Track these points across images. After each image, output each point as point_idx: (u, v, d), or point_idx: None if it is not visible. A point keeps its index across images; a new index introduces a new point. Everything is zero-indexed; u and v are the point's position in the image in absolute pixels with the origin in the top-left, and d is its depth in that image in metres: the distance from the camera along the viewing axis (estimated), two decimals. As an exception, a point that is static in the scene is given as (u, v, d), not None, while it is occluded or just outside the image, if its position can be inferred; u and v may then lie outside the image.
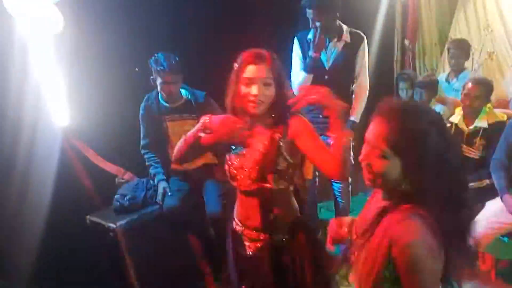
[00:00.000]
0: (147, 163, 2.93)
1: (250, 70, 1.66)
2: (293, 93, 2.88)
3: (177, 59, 2.71)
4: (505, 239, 2.70)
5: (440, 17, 4.28)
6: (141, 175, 3.02)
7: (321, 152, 1.64)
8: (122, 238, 2.60)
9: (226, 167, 1.79)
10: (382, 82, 3.78)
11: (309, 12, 2.88)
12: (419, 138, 1.11)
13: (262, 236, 1.79)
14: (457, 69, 3.67)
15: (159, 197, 2.79)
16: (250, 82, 1.65)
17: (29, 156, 2.60)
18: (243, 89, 1.67)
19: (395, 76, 4.16)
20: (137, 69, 3.08)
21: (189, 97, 2.86)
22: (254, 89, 1.64)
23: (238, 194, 1.84)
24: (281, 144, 1.68)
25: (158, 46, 2.81)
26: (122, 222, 2.63)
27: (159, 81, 2.71)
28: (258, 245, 1.79)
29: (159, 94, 2.84)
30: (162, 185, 2.82)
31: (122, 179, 3.03)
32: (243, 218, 1.83)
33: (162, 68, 2.66)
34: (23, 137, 2.56)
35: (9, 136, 2.53)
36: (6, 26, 2.41)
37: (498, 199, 2.62)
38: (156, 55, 2.70)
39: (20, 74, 2.52)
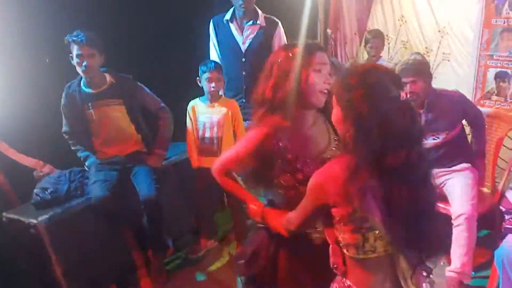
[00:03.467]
0: (72, 148, 2.80)
1: (322, 57, 1.49)
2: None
3: (92, 33, 2.57)
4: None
5: (359, 7, 4.47)
6: (63, 167, 2.83)
7: None
8: (46, 234, 2.41)
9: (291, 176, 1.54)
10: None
11: None
12: (346, 92, 1.23)
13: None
14: (375, 58, 3.90)
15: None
16: (323, 70, 1.49)
17: None
18: (314, 78, 1.47)
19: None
20: (47, 60, 2.87)
21: (114, 81, 2.73)
22: (328, 78, 1.48)
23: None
24: None
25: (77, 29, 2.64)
26: (45, 217, 2.44)
27: (74, 53, 2.54)
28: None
29: (82, 80, 2.69)
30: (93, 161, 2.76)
31: (41, 172, 2.81)
32: None
33: (76, 38, 2.51)
34: None
35: None
36: None
37: None
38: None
39: None
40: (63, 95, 2.70)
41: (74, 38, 2.52)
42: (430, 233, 1.30)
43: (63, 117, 2.76)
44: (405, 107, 1.20)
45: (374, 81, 1.20)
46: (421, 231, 1.26)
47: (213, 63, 2.89)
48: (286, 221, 1.45)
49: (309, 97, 1.50)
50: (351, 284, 1.32)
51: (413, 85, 2.62)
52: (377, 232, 1.24)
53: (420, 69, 2.63)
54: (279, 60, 1.53)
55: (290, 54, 1.51)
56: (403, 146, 1.17)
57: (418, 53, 2.83)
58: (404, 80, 2.63)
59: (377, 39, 3.86)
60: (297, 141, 1.53)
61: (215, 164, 1.71)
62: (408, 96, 2.67)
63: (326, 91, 1.48)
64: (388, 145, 1.16)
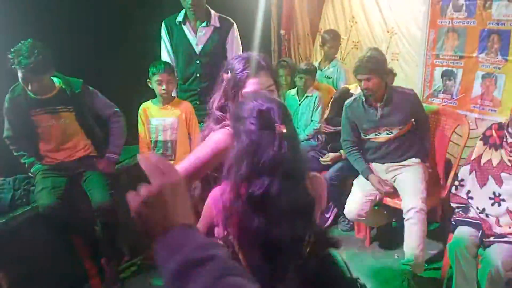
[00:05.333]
0: (15, 153, 2.64)
1: (252, 84, 1.52)
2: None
3: (41, 54, 2.36)
4: (376, 207, 2.97)
5: (311, 8, 4.52)
6: (7, 175, 2.67)
7: None
8: (-12, 247, 2.28)
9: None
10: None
11: None
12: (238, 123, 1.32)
13: None
14: (331, 58, 3.96)
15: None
16: None
17: None
18: None
19: (273, 64, 4.31)
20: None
21: (63, 86, 2.60)
22: None
23: None
24: None
25: (23, 33, 2.48)
26: (-13, 228, 2.30)
27: (19, 75, 2.41)
28: None
29: None
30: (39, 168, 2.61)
31: (-17, 180, 2.64)
32: None
33: (17, 66, 2.35)
34: None
35: None
36: None
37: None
38: (17, 45, 2.38)
39: None
40: (7, 98, 2.55)
41: (16, 66, 2.35)
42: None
43: (6, 121, 2.60)
44: (278, 141, 1.24)
45: (248, 114, 1.28)
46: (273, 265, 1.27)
47: (163, 65, 2.81)
48: None
49: None
50: None
51: (367, 82, 2.68)
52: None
53: (375, 66, 2.69)
54: (223, 80, 1.62)
55: (229, 76, 1.58)
56: (269, 175, 1.23)
57: (376, 49, 2.89)
58: (359, 77, 2.70)
59: (336, 40, 3.93)
60: None
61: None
62: (364, 92, 2.74)
63: None
64: (255, 173, 1.24)
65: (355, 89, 3.29)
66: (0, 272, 2.31)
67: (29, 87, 2.44)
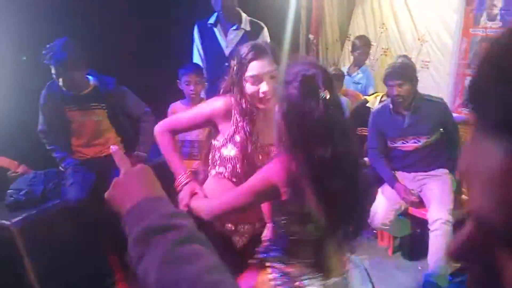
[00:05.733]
0: (48, 147, 2.72)
1: (254, 67, 1.57)
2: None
3: (74, 50, 2.46)
4: (400, 217, 2.94)
5: (340, 14, 4.52)
6: (39, 168, 2.75)
7: None
8: (19, 237, 2.34)
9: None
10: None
11: None
12: (282, 88, 1.31)
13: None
14: (360, 64, 3.94)
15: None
16: (256, 79, 1.57)
17: None
18: (249, 87, 1.59)
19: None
20: (24, 58, 2.80)
21: (98, 84, 2.68)
22: (262, 86, 1.56)
23: None
24: None
25: (56, 30, 2.57)
26: (18, 218, 2.37)
27: (52, 71, 2.49)
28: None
29: None
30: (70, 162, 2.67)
31: (16, 172, 2.73)
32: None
33: (49, 62, 2.44)
34: None
35: None
36: None
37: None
38: (51, 44, 2.46)
39: None
40: (43, 94, 2.64)
41: (47, 62, 2.43)
42: (358, 215, 1.42)
43: (41, 115, 2.69)
44: (328, 106, 1.26)
45: (292, 78, 1.27)
46: (351, 214, 1.36)
47: (191, 67, 2.87)
48: (208, 206, 1.49)
49: (251, 101, 1.62)
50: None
51: (399, 88, 2.65)
52: (316, 221, 1.31)
53: (407, 73, 2.67)
54: (231, 67, 1.69)
55: (232, 62, 1.66)
56: (329, 140, 1.25)
57: (405, 56, 2.88)
58: (390, 83, 2.68)
59: (366, 46, 3.92)
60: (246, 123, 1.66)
61: (161, 122, 1.77)
62: (395, 98, 2.72)
63: (269, 97, 1.57)
64: (314, 140, 1.25)
65: (374, 100, 3.27)
66: (29, 262, 2.37)
67: (61, 82, 2.51)
